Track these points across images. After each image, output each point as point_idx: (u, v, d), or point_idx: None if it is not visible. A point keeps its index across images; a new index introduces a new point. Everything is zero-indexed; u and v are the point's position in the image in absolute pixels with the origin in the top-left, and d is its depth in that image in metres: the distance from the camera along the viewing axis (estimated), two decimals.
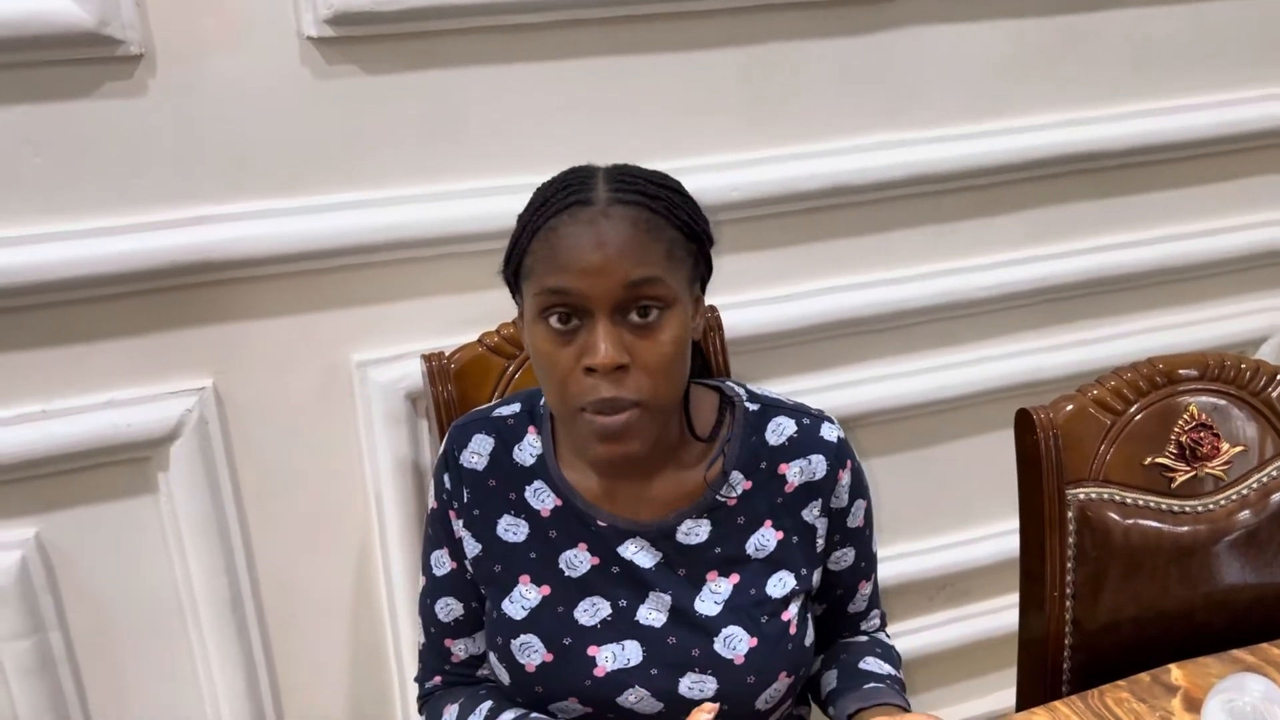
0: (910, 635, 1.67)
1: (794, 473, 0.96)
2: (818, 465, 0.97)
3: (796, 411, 0.99)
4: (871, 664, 1.02)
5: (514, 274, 0.91)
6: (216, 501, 1.29)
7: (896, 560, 1.63)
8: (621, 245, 0.84)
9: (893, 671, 1.03)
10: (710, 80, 1.33)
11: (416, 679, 1.06)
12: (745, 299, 1.42)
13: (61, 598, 1.27)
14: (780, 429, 0.97)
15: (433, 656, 1.04)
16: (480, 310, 1.28)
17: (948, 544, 1.66)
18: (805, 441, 0.97)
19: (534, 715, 0.95)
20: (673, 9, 1.28)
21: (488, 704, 0.98)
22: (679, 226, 0.88)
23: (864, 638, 1.07)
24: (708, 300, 1.31)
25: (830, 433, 0.98)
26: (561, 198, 0.86)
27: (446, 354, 1.25)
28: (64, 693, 1.29)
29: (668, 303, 0.86)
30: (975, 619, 1.71)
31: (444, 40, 1.22)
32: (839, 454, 0.98)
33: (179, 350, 1.23)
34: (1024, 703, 1.18)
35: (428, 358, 1.24)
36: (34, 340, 1.18)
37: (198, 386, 1.25)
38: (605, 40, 1.28)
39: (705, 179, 1.33)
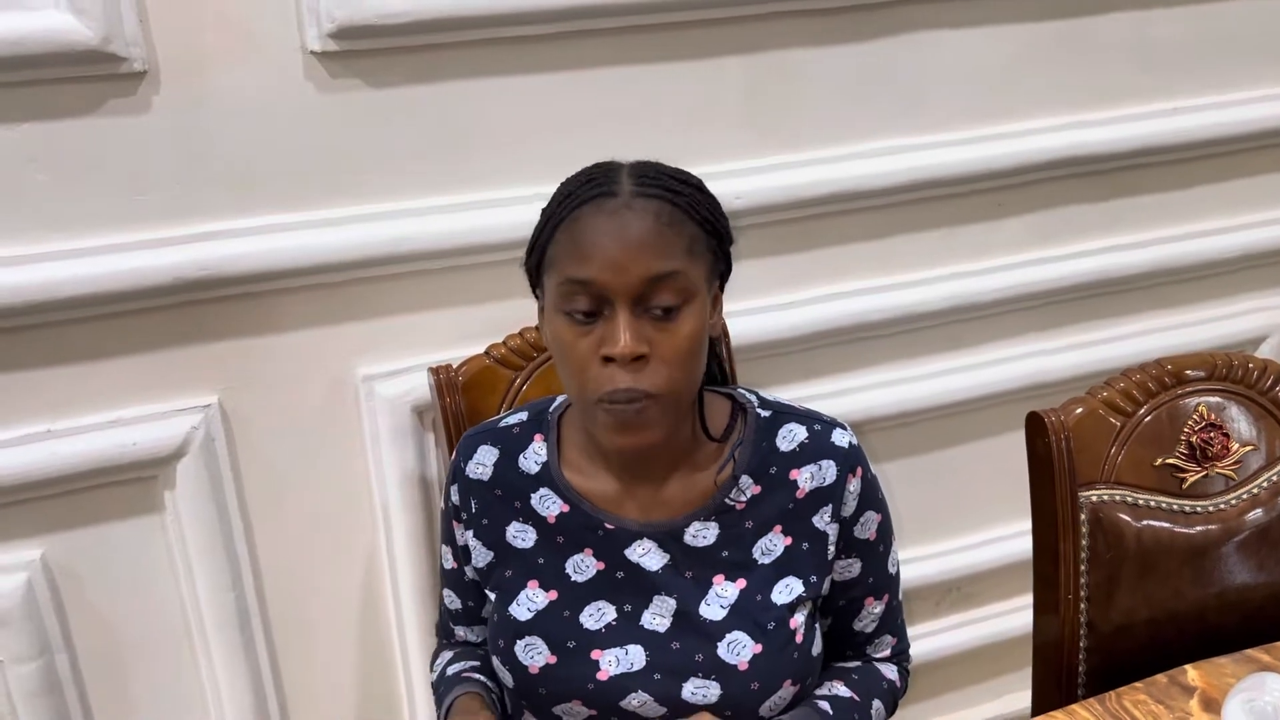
0: (917, 640, 1.67)
1: (805, 478, 0.96)
2: (828, 471, 0.96)
3: (808, 418, 0.99)
4: (827, 688, 1.00)
5: (536, 265, 0.92)
6: (223, 519, 1.28)
7: (904, 564, 1.62)
8: (643, 238, 0.85)
9: (845, 693, 0.99)
10: (715, 88, 1.33)
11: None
12: (752, 306, 1.41)
13: (67, 619, 1.26)
14: (791, 435, 0.97)
15: (442, 633, 1.12)
16: (487, 323, 1.28)
17: (955, 548, 1.66)
18: (816, 447, 0.97)
19: (467, 683, 0.99)
20: (677, 18, 1.28)
21: (464, 663, 1.05)
22: (700, 222, 0.89)
23: (856, 663, 1.04)
24: None
25: (842, 439, 0.98)
26: (586, 190, 0.87)
27: (454, 366, 1.24)
28: (70, 715, 1.28)
29: (687, 296, 0.87)
30: (982, 622, 1.70)
31: (447, 53, 1.21)
32: (849, 460, 0.97)
33: (184, 367, 1.22)
34: (1040, 706, 1.18)
35: (435, 370, 1.24)
36: (38, 359, 1.17)
37: (203, 403, 1.24)
38: (609, 50, 1.27)
39: (711, 186, 1.32)
